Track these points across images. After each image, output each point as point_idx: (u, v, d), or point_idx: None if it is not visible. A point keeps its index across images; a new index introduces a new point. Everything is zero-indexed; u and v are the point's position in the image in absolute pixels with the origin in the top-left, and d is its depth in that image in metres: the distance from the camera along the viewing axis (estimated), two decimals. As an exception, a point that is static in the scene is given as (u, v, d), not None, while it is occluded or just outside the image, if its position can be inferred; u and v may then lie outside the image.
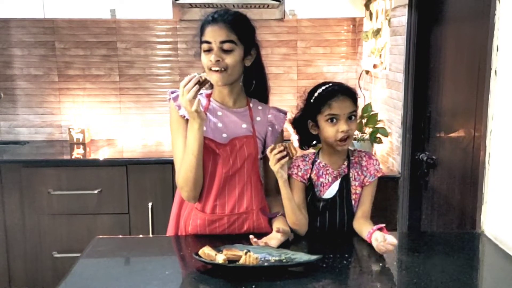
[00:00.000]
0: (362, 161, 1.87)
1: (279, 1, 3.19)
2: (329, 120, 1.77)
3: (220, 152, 1.78)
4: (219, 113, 1.84)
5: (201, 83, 1.68)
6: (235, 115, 1.84)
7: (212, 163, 1.79)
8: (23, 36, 3.55)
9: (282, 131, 1.91)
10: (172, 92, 1.85)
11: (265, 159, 1.91)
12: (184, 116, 1.80)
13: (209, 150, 1.78)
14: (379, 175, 1.86)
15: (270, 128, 1.87)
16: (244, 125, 1.83)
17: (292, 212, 1.76)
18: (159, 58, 3.62)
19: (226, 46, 1.73)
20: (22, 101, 3.64)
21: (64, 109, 3.66)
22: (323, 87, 1.81)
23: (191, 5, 3.36)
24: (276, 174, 1.71)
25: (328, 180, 1.84)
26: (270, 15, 3.57)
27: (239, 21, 1.78)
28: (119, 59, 3.61)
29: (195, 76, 1.67)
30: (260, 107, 1.89)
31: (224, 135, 1.81)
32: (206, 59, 1.75)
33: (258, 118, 1.87)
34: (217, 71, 1.74)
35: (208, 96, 1.87)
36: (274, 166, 1.69)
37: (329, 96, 1.77)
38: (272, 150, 1.69)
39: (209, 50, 1.74)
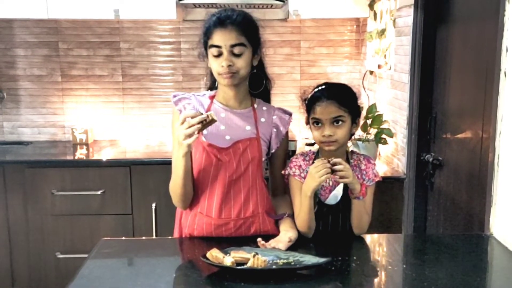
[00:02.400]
0: (361, 164, 1.85)
1: (283, 1, 3.18)
2: (314, 123, 1.78)
3: (223, 156, 1.76)
4: (222, 115, 1.81)
5: (207, 122, 1.61)
6: (239, 117, 1.82)
7: (214, 168, 1.77)
8: (27, 36, 3.54)
9: (287, 133, 1.90)
10: (175, 96, 1.84)
11: (272, 159, 1.90)
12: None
13: (211, 155, 1.77)
14: (377, 179, 1.85)
15: (275, 130, 1.85)
16: (248, 127, 1.81)
17: (310, 220, 1.74)
18: (162, 59, 3.61)
19: (237, 49, 1.71)
20: (25, 101, 3.63)
21: (67, 110, 3.65)
22: (315, 90, 1.82)
23: (194, 5, 3.35)
24: (316, 184, 1.69)
25: (329, 184, 1.82)
26: (274, 15, 3.56)
27: (246, 21, 1.75)
28: (122, 59, 3.60)
29: (202, 114, 1.61)
30: (264, 108, 1.87)
31: (227, 137, 1.78)
32: (217, 65, 1.72)
33: (263, 119, 1.84)
34: (227, 75, 1.71)
35: (212, 97, 1.85)
36: (320, 177, 1.66)
37: (315, 100, 1.78)
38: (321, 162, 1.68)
39: (218, 55, 1.71)
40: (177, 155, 1.70)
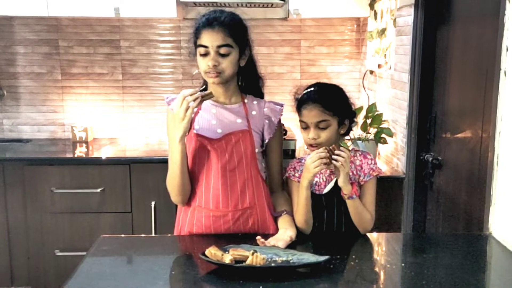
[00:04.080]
0: (356, 160, 1.85)
1: (283, 0, 3.18)
2: (302, 126, 1.82)
3: (215, 147, 1.80)
4: (213, 111, 1.85)
5: (206, 95, 1.72)
6: (230, 112, 1.86)
7: (207, 159, 1.81)
8: (27, 34, 3.54)
9: (280, 124, 1.93)
10: (167, 97, 1.90)
11: (267, 153, 1.93)
12: None
13: (203, 146, 1.81)
14: (374, 174, 1.84)
15: (267, 121, 1.89)
16: (239, 120, 1.85)
17: (307, 211, 1.76)
18: (162, 57, 3.61)
19: (223, 50, 1.75)
20: (25, 99, 3.63)
21: (67, 107, 3.65)
22: (304, 91, 1.83)
23: (195, 4, 3.34)
24: (311, 175, 1.73)
25: (322, 179, 1.84)
26: (274, 14, 3.56)
27: (234, 23, 1.79)
28: (122, 58, 3.60)
29: (200, 92, 1.71)
30: (255, 102, 1.91)
31: (219, 130, 1.82)
32: (203, 64, 1.77)
33: (254, 112, 1.88)
34: (213, 74, 1.76)
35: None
36: (314, 168, 1.70)
37: (302, 103, 1.81)
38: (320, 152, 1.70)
39: (205, 54, 1.76)
40: (174, 140, 1.75)
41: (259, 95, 1.96)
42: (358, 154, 1.87)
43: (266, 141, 1.89)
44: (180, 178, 1.80)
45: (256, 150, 1.85)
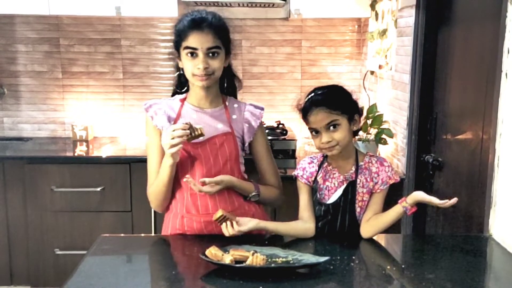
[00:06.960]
0: (373, 167, 1.80)
1: (285, 0, 3.18)
2: (313, 132, 1.77)
3: (199, 152, 1.79)
4: (194, 116, 1.83)
5: (195, 135, 1.67)
6: (211, 116, 1.84)
7: (191, 165, 1.80)
8: (28, 32, 3.54)
9: (262, 128, 1.92)
10: (145, 103, 1.89)
11: (256, 160, 1.92)
12: (156, 126, 1.83)
13: (185, 153, 1.79)
14: (391, 182, 1.80)
15: (247, 125, 1.88)
16: (219, 125, 1.83)
17: (290, 233, 1.77)
18: (163, 56, 3.61)
19: (213, 52, 1.73)
20: (25, 97, 3.63)
21: (67, 106, 3.65)
22: (305, 99, 1.79)
23: (196, 3, 3.34)
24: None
25: (334, 184, 1.81)
26: (275, 14, 3.56)
27: (221, 24, 1.78)
28: (123, 57, 3.60)
29: (189, 126, 1.66)
30: (236, 105, 1.90)
31: (201, 137, 1.79)
32: (192, 66, 1.73)
33: (234, 116, 1.87)
34: (203, 77, 1.73)
35: (183, 100, 1.87)
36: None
37: (306, 110, 1.76)
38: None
39: (193, 56, 1.73)
40: (165, 164, 1.74)
41: (234, 95, 1.95)
42: (374, 161, 1.82)
43: (246, 144, 1.89)
44: (165, 194, 1.82)
45: (240, 153, 1.87)
